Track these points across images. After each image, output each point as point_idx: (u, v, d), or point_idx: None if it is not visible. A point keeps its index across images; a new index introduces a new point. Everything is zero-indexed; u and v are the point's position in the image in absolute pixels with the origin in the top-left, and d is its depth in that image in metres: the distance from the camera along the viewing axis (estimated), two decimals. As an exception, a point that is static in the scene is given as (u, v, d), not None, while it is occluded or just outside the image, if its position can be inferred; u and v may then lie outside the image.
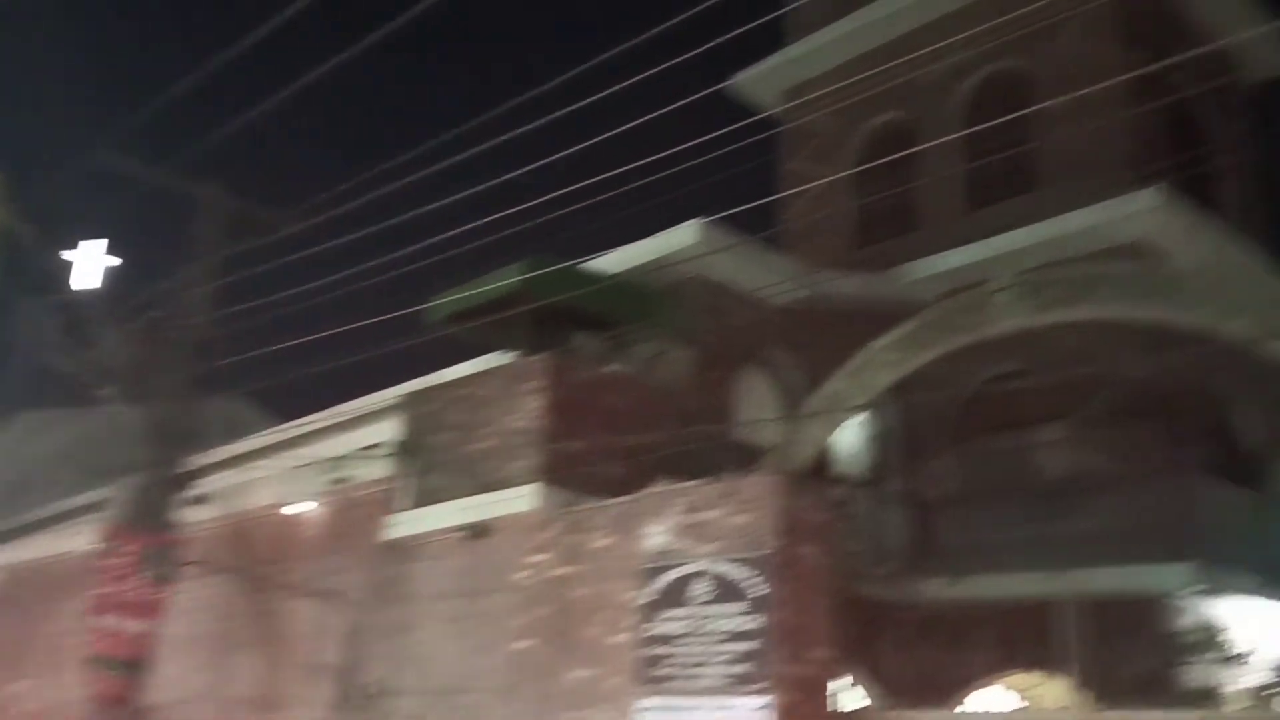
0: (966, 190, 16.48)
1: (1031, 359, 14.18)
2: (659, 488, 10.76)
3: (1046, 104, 13.17)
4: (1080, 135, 14.65)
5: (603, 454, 11.93)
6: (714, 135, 10.19)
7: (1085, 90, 12.19)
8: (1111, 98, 14.11)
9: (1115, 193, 14.35)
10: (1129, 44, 14.93)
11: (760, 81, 19.26)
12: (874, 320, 12.92)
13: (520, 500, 11.71)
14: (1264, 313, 8.64)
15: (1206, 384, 14.49)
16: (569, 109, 11.22)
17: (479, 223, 11.25)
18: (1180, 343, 11.69)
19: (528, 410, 12.16)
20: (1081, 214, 14.34)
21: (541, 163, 11.50)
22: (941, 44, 13.36)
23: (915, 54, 14.87)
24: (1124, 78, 13.16)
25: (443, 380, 13.87)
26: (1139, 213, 13.81)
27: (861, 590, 12.46)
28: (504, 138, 11.25)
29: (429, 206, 10.92)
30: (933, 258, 15.81)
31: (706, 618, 9.82)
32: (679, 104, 10.47)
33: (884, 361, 11.16)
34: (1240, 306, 8.80)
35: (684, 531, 10.37)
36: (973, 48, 15.23)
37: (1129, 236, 13.96)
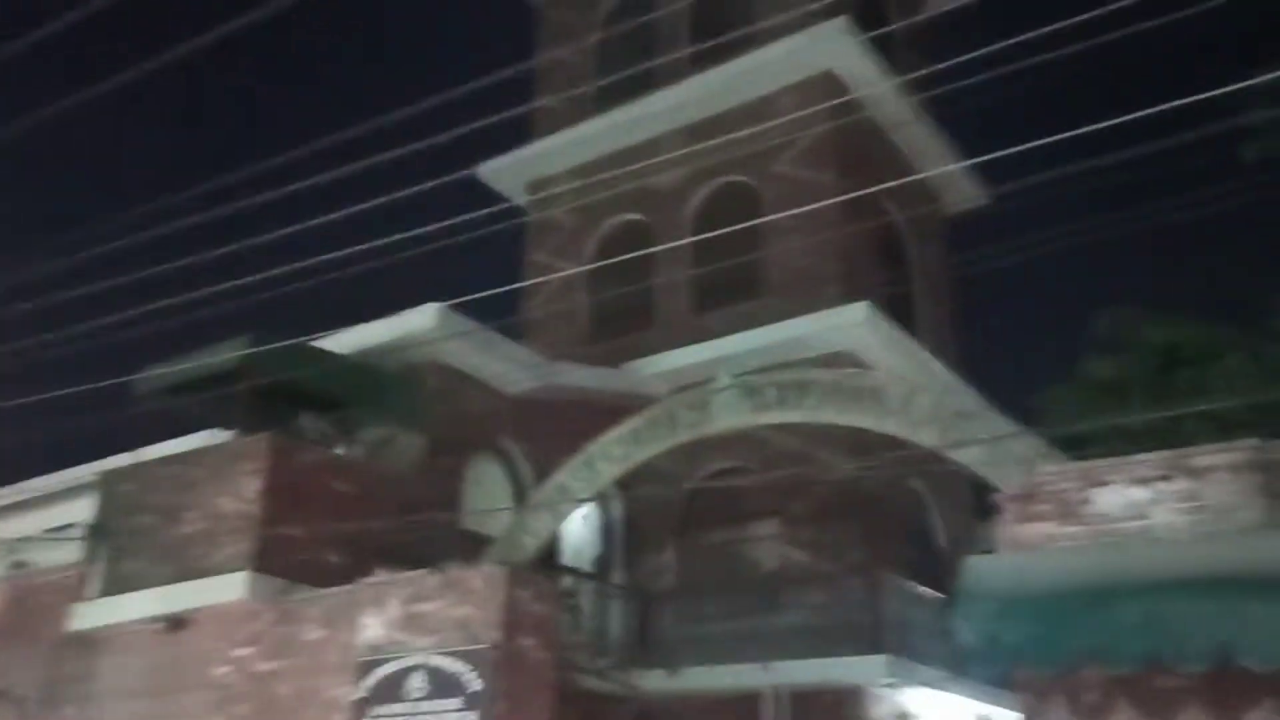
0: (696, 293, 17.27)
1: (749, 457, 14.90)
2: (378, 578, 10.44)
3: (769, 218, 14.09)
4: (799, 250, 15.76)
5: (321, 541, 11.47)
6: (456, 220, 10.23)
7: (803, 209, 13.19)
8: (827, 217, 15.31)
9: (828, 305, 15.47)
10: (844, 170, 16.28)
11: (506, 172, 19.56)
12: (606, 413, 13.20)
13: (226, 589, 11.03)
14: (950, 424, 9.49)
15: (903, 488, 15.69)
16: (306, 183, 10.97)
17: (201, 292, 10.73)
18: (880, 448, 12.62)
19: (242, 492, 11.54)
20: (797, 323, 15.34)
21: (271, 236, 11.14)
22: (674, 155, 14.08)
23: (651, 161, 15.62)
24: (836, 200, 14.36)
25: (147, 457, 12.95)
26: (847, 325, 14.94)
27: (582, 683, 12.47)
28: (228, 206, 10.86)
29: (142, 273, 10.32)
30: (663, 355, 16.40)
31: (422, 714, 9.53)
32: (421, 187, 10.46)
33: (611, 455, 11.40)
34: (930, 417, 9.64)
35: (402, 623, 10.07)
36: (704, 161, 16.16)
37: (838, 346, 15.04)
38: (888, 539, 15.03)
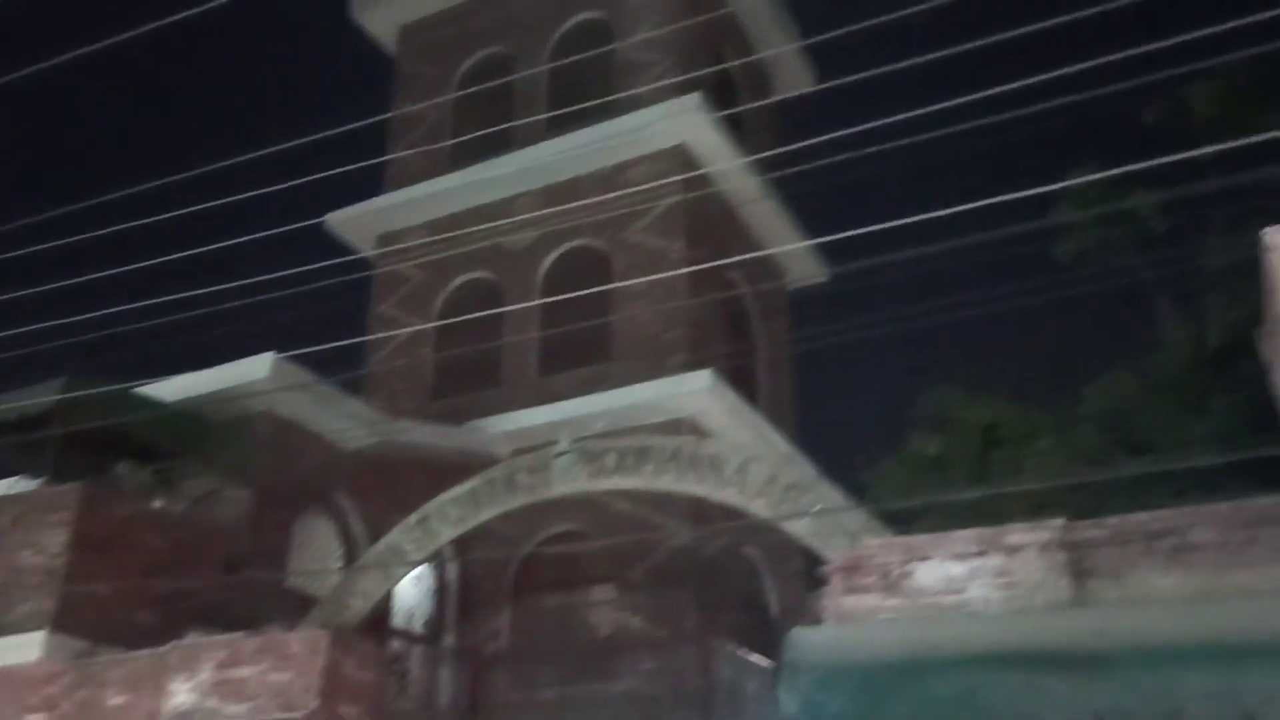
0: (544, 354, 17.25)
1: (587, 521, 14.86)
2: (191, 640, 9.92)
3: (619, 284, 14.25)
4: (646, 316, 15.97)
5: (132, 599, 10.84)
6: (300, 270, 9.99)
7: (652, 277, 13.41)
8: (675, 286, 15.59)
9: (673, 372, 15.68)
10: (693, 241, 16.64)
11: (355, 223, 19.24)
12: (446, 472, 12.98)
13: (21, 649, 10.28)
14: (783, 495, 9.68)
15: (738, 556, 15.91)
16: (143, 221, 10.56)
17: (14, 331, 10.15)
18: (718, 516, 12.79)
19: (46, 545, 10.83)
20: (642, 388, 15.47)
21: (100, 275, 10.68)
22: (527, 216, 14.14)
23: (504, 221, 15.64)
24: (685, 270, 14.66)
25: (-60, 505, 12.03)
26: (690, 393, 15.15)
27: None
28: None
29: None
30: (507, 415, 16.27)
31: (229, 786, 9.03)
32: (264, 233, 10.19)
33: (448, 516, 11.18)
34: (764, 488, 9.81)
35: (215, 689, 9.57)
36: (557, 224, 16.28)
37: (681, 413, 15.22)
38: (722, 607, 15.16)
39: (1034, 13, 7.70)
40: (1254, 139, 7.42)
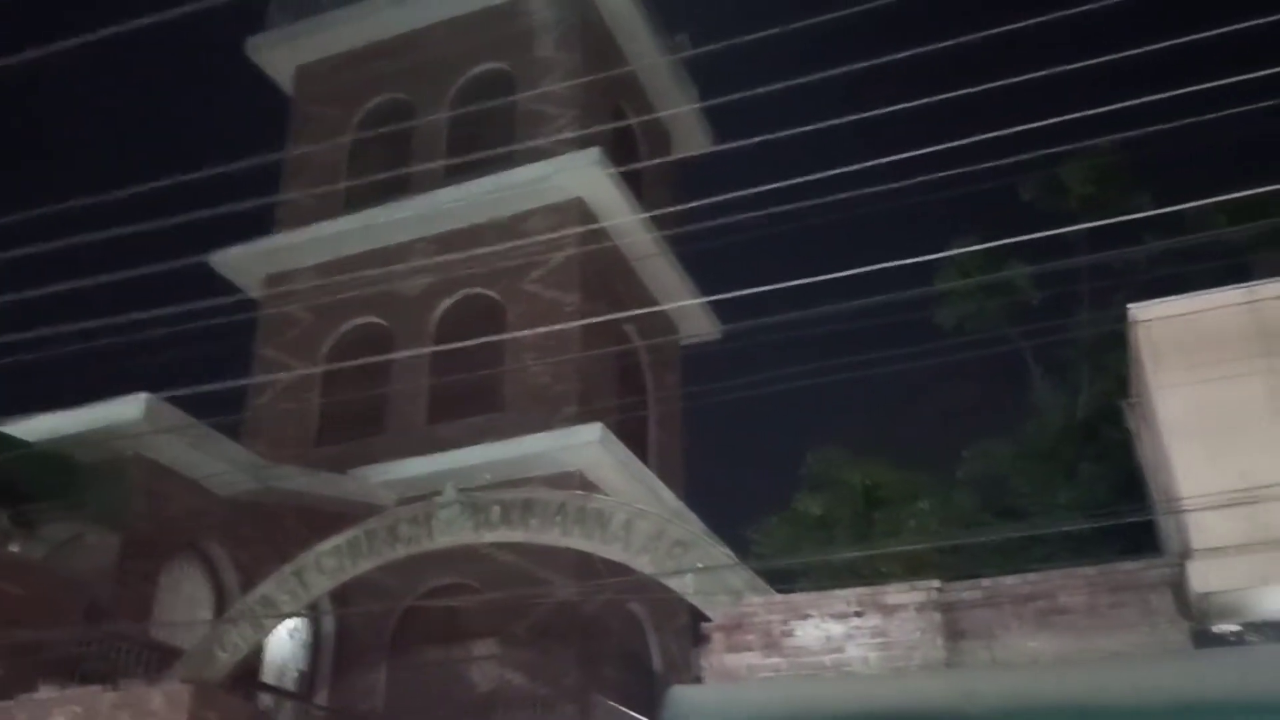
0: (433, 403, 17.00)
1: (471, 574, 14.59)
2: (43, 693, 9.37)
3: (512, 335, 14.16)
4: (539, 368, 15.89)
5: (-20, 650, 10.21)
6: (180, 309, 9.69)
7: (546, 329, 13.37)
8: (569, 339, 15.58)
9: (564, 424, 15.60)
10: (588, 294, 16.68)
11: (242, 262, 18.78)
12: (327, 521, 12.62)
13: None
14: (668, 552, 9.65)
15: (623, 612, 15.79)
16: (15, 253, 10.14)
17: None
18: (604, 571, 12.67)
19: (-115, 591, 10.16)
20: (532, 440, 15.34)
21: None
22: (421, 263, 13.99)
23: (396, 267, 15.46)
24: (579, 323, 14.67)
25: None
26: (580, 445, 15.09)
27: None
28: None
29: None
30: (393, 464, 15.95)
31: None
32: (142, 270, 9.87)
33: (323, 566, 10.85)
34: (650, 544, 9.77)
35: (65, 747, 9.05)
36: (451, 271, 16.15)
37: (571, 466, 15.14)
38: (605, 663, 15.01)
39: (925, 88, 8.00)
40: (1122, 219, 7.80)
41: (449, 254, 15.98)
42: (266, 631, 11.24)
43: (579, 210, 17.03)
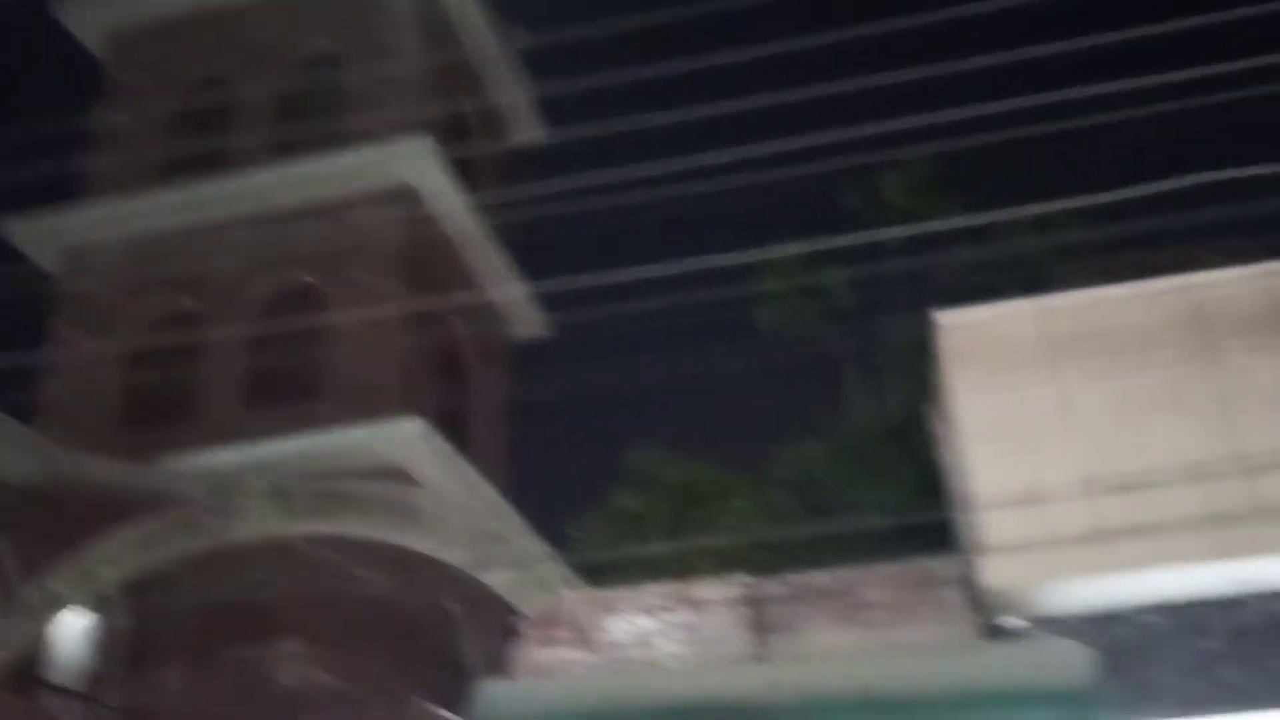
0: (249, 391, 16.28)
1: (280, 570, 14.02)
2: None
3: (330, 322, 13.70)
4: (360, 358, 15.43)
5: None
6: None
7: (368, 316, 12.97)
8: (392, 329, 15.17)
9: (384, 416, 15.18)
10: (414, 284, 16.28)
11: (39, 233, 17.56)
12: (126, 512, 11.93)
13: None
14: (481, 545, 9.53)
15: (439, 610, 15.48)
16: None
17: None
18: (421, 568, 12.39)
19: None
20: (351, 432, 14.87)
21: None
22: (237, 242, 13.39)
23: (201, 247, 14.74)
24: (403, 311, 14.32)
25: None
26: (400, 439, 14.71)
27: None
28: None
29: None
30: (203, 454, 15.18)
31: None
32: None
33: (114, 558, 10.24)
34: (463, 537, 9.63)
35: None
36: (269, 254, 15.52)
37: (390, 459, 14.73)
38: (420, 662, 14.69)
39: (757, 86, 8.12)
40: (931, 226, 8.11)
41: (268, 237, 15.35)
42: (45, 626, 10.51)
43: (407, 197, 16.64)
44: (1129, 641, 6.53)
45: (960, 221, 8.76)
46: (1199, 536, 6.27)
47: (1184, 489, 6.36)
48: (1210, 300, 6.96)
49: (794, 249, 9.55)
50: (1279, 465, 6.24)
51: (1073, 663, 6.21)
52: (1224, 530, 6.26)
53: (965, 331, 7.48)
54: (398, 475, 14.74)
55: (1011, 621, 6.89)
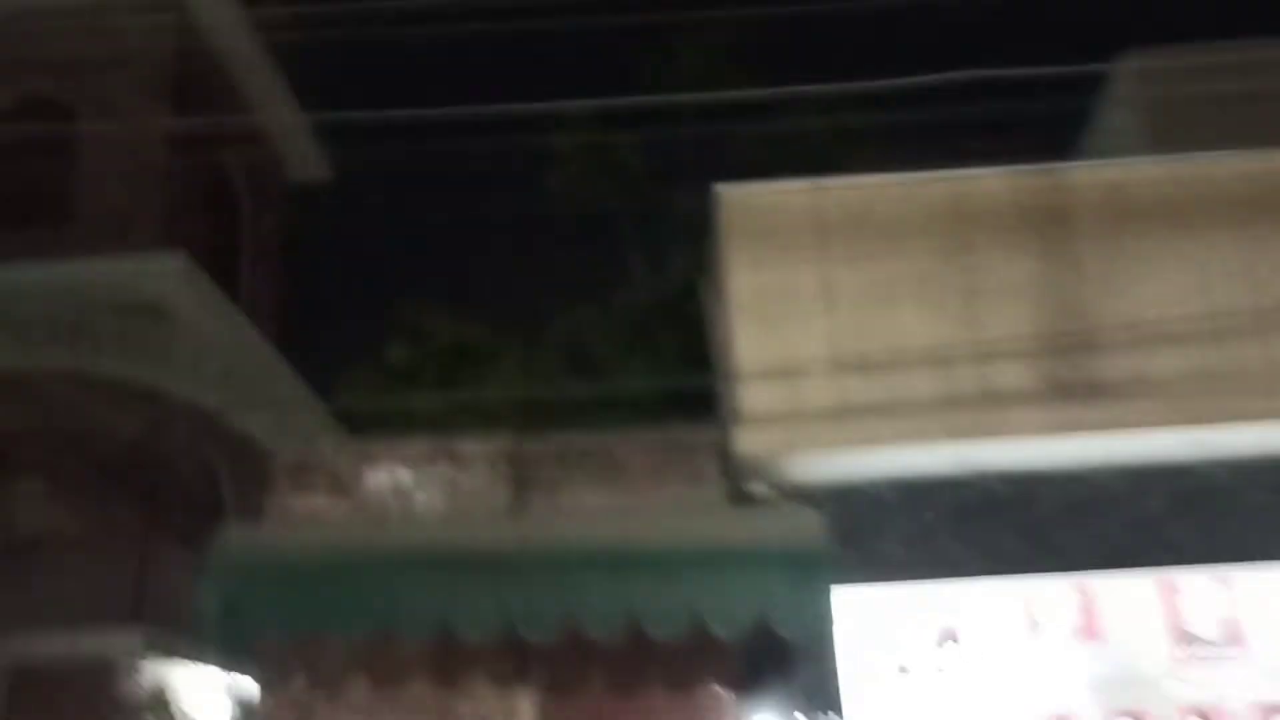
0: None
1: (16, 404, 13.04)
2: None
3: (80, 137, 12.50)
4: (116, 184, 14.23)
5: None
6: None
7: (123, 133, 11.87)
8: (153, 156, 14.03)
9: (142, 248, 14.12)
10: (181, 108, 15.03)
11: None
12: None
13: None
14: (237, 388, 9.12)
15: (196, 456, 14.83)
16: None
17: None
18: (176, 411, 11.76)
19: None
20: (103, 263, 13.76)
21: None
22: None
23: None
24: (165, 137, 13.24)
25: None
26: (158, 274, 13.72)
27: None
28: None
29: None
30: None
31: None
32: None
33: None
34: (218, 379, 9.18)
35: None
36: (12, 60, 13.93)
37: (147, 295, 13.72)
38: (172, 507, 14.11)
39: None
40: (726, 94, 8.03)
41: (8, 40, 13.73)
42: None
43: (179, 10, 15.21)
44: (862, 512, 6.94)
45: (753, 94, 8.72)
46: (933, 418, 6.66)
47: (923, 372, 6.72)
48: (968, 196, 7.26)
49: (586, 105, 9.30)
50: (1009, 354, 6.67)
51: (807, 529, 6.56)
52: (955, 413, 6.67)
53: (743, 206, 7.53)
54: (153, 313, 13.83)
55: (758, 489, 7.19)
